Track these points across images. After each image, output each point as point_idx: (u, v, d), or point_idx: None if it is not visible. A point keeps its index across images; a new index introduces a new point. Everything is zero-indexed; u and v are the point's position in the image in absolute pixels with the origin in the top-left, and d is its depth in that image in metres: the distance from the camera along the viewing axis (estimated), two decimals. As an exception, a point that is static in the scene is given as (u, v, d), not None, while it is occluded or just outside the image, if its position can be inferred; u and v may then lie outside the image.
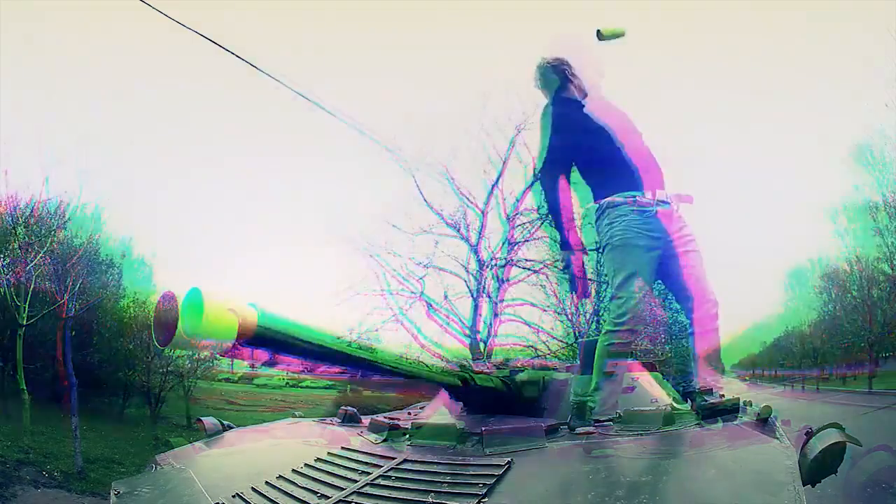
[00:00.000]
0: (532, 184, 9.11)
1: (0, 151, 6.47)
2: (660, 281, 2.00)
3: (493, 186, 9.47)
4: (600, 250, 1.90)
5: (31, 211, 7.44)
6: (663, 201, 1.82)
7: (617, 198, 1.81)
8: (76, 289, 10.90)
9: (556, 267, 8.94)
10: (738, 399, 1.90)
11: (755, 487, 1.02)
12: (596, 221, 1.87)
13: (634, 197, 1.79)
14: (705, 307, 1.84)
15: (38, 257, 6.75)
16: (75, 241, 13.93)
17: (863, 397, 20.66)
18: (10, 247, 8.60)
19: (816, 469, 1.49)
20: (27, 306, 6.47)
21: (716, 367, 1.90)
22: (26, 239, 6.93)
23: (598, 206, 1.86)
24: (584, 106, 1.96)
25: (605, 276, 1.87)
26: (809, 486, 1.47)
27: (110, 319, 12.73)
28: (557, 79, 2.00)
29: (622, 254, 1.77)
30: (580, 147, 1.93)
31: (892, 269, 22.65)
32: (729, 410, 1.70)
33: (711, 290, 1.85)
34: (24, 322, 6.52)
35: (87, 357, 12.13)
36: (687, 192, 1.91)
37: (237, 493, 1.48)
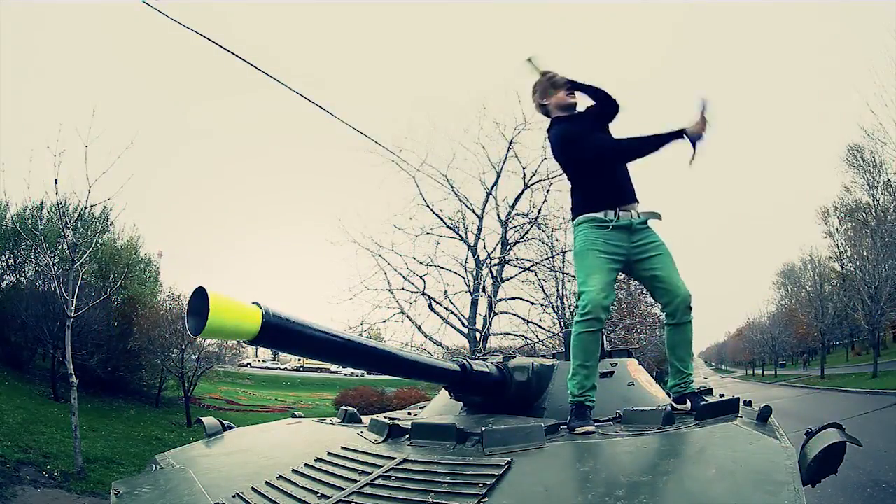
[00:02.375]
0: (523, 190, 9.63)
1: (50, 161, 6.99)
2: (636, 282, 2.18)
3: (489, 192, 9.85)
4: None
5: (79, 216, 8.26)
6: (626, 220, 2.08)
7: (581, 218, 2.12)
8: (118, 284, 11.55)
9: (545, 265, 9.46)
10: (738, 399, 1.90)
11: (755, 487, 1.02)
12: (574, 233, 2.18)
13: (596, 217, 2.08)
14: (678, 300, 2.05)
15: (84, 257, 7.41)
16: (117, 243, 14.78)
17: (814, 383, 21.79)
18: (60, 248, 9.46)
19: (817, 469, 1.49)
20: (75, 300, 6.98)
21: (687, 355, 2.09)
22: (74, 241, 7.64)
23: (573, 223, 2.18)
24: (564, 134, 2.20)
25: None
26: (809, 486, 1.47)
27: (148, 311, 13.43)
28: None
29: (583, 259, 2.06)
30: (562, 165, 2.28)
31: (842, 268, 23.54)
32: (728, 410, 1.70)
33: (682, 284, 2.07)
34: (73, 314, 7.02)
35: (127, 345, 12.77)
36: (656, 210, 2.17)
37: (237, 493, 1.48)
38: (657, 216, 2.16)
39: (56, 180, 7.03)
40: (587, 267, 2.01)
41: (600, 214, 2.07)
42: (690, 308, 2.06)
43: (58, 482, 6.23)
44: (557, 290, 9.43)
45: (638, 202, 2.14)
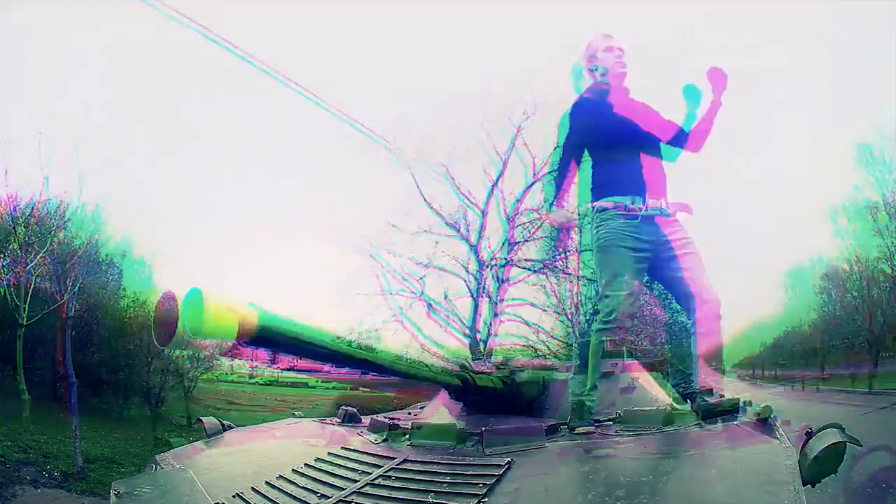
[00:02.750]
0: (531, 184, 9.17)
1: (-1, 151, 6.33)
2: (657, 282, 2.07)
3: (493, 186, 9.34)
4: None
5: (32, 211, 7.52)
6: (656, 209, 1.88)
7: (606, 202, 1.89)
8: (76, 289, 11.15)
9: (556, 267, 8.95)
10: (739, 399, 1.90)
11: (755, 487, 1.02)
12: (589, 223, 1.95)
13: (623, 203, 1.86)
14: (706, 307, 1.86)
15: (38, 257, 6.84)
16: (75, 242, 14.23)
17: (863, 397, 21.35)
18: (10, 247, 8.70)
19: (817, 469, 1.49)
20: (27, 307, 6.54)
21: (716, 367, 1.98)
22: (26, 239, 7.02)
23: (590, 208, 1.94)
24: (603, 106, 2.00)
25: (594, 275, 1.95)
26: (809, 486, 1.47)
27: (110, 319, 13.03)
28: (581, 79, 2.10)
29: (607, 255, 1.85)
30: (587, 147, 2.03)
31: (892, 269, 23.21)
32: (729, 411, 1.70)
33: (712, 289, 1.88)
34: (24, 322, 6.58)
35: (86, 357, 12.49)
36: (686, 202, 1.97)
37: (237, 493, 1.48)
38: (687, 209, 1.96)
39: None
40: (612, 265, 1.81)
41: (626, 200, 1.85)
42: (720, 316, 1.86)
43: (58, 482, 6.23)
44: (573, 295, 8.71)
45: (665, 198, 1.94)
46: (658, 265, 1.92)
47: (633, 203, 1.85)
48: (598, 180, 1.95)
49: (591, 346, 1.84)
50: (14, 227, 6.84)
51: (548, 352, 8.69)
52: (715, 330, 1.86)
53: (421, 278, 9.14)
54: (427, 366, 1.93)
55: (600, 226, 1.88)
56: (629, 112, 1.98)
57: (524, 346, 9.00)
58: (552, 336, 9.02)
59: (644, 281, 1.93)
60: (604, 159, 1.97)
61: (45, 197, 6.83)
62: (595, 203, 1.92)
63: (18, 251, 7.08)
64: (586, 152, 2.03)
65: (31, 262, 6.69)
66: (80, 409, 12.60)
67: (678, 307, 2.02)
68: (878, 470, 5.30)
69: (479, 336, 8.92)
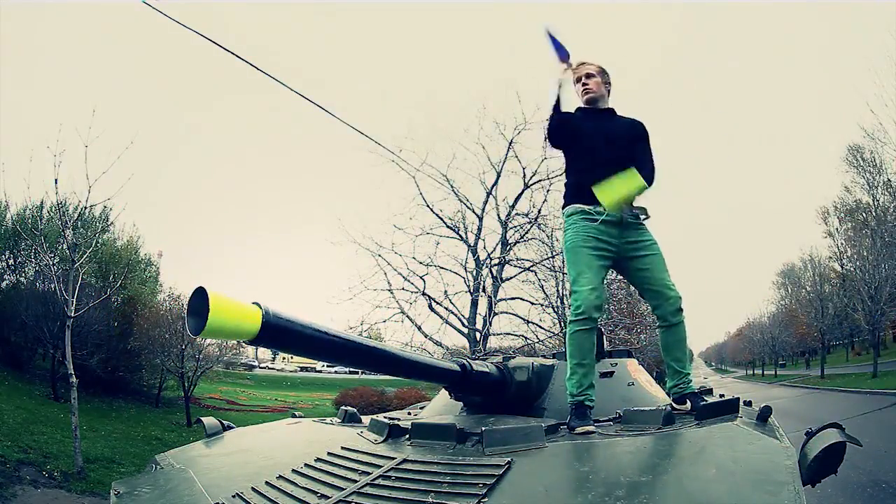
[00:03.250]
0: (525, 188, 9.54)
1: (50, 161, 6.99)
2: (624, 281, 2.15)
3: (489, 192, 9.85)
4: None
5: (79, 215, 8.33)
6: (615, 214, 2.04)
7: (571, 208, 2.10)
8: (118, 284, 11.63)
9: (545, 265, 9.48)
10: (738, 399, 1.91)
11: (755, 487, 1.02)
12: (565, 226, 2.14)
13: (584, 208, 2.06)
14: (668, 303, 2.03)
15: (84, 257, 7.45)
16: (118, 243, 14.88)
17: (815, 381, 22.09)
18: (60, 248, 9.52)
19: (817, 469, 1.49)
20: (75, 300, 7.01)
21: (683, 355, 2.07)
22: (74, 241, 7.72)
23: (563, 212, 2.15)
24: (577, 122, 2.17)
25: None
26: (809, 486, 1.47)
27: (148, 311, 13.46)
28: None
29: (573, 255, 2.03)
30: (564, 151, 2.23)
31: (842, 268, 23.80)
32: (728, 410, 1.70)
33: (672, 286, 2.05)
34: (73, 314, 7.03)
35: (127, 345, 12.81)
36: (645, 207, 2.14)
37: (237, 493, 1.48)
38: (644, 212, 2.14)
39: (56, 180, 7.03)
40: (578, 264, 2.00)
41: (588, 207, 2.04)
42: (681, 310, 2.05)
43: (58, 482, 6.23)
44: (557, 290, 9.42)
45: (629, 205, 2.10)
46: (623, 265, 2.10)
47: (593, 209, 2.04)
48: (568, 188, 2.18)
49: (566, 336, 2.00)
50: (63, 230, 7.44)
51: (537, 341, 9.18)
52: (678, 322, 2.04)
53: (422, 277, 9.43)
54: (430, 355, 1.96)
55: (568, 229, 2.09)
56: (600, 130, 2.15)
57: (517, 336, 9.47)
58: (541, 327, 9.55)
59: (605, 278, 2.10)
60: (572, 167, 2.19)
61: (91, 203, 7.39)
62: (564, 208, 2.14)
63: (67, 251, 7.89)
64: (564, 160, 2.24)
65: (79, 261, 7.23)
66: (115, 397, 12.82)
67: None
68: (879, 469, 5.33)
69: (476, 329, 9.13)
